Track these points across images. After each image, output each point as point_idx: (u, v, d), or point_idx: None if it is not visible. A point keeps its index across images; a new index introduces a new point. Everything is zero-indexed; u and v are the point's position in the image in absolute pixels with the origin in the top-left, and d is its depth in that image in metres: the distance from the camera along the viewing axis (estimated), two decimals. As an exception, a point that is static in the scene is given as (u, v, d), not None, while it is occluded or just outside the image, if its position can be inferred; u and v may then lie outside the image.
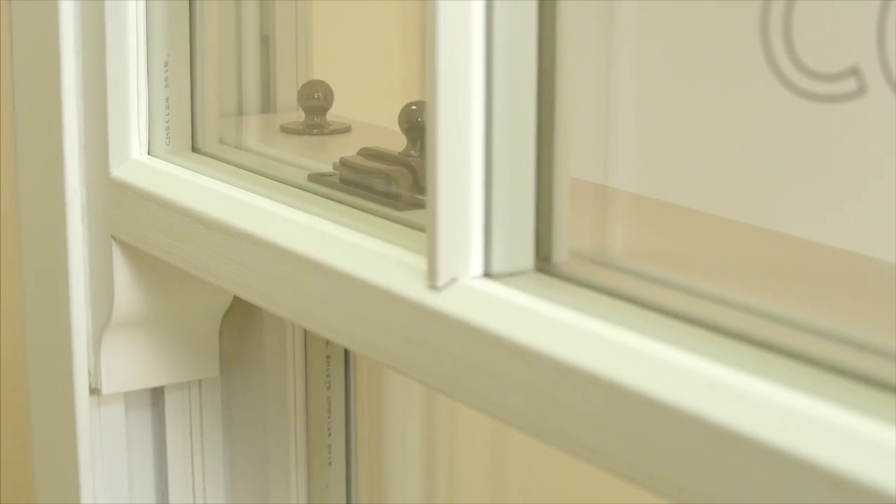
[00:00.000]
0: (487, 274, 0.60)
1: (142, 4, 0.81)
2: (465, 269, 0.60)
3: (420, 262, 0.62)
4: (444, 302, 0.60)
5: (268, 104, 0.92)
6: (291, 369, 0.90)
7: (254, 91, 0.92)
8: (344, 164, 0.74)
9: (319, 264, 0.66)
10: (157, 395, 0.91)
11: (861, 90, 0.57)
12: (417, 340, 0.61)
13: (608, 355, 0.54)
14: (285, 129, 0.88)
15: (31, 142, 0.88)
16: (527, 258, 0.61)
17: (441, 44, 0.58)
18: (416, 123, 0.74)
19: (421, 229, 0.66)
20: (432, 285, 0.60)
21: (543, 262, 0.61)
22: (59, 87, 0.84)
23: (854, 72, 0.56)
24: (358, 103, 0.97)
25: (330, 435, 0.92)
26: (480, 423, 1.02)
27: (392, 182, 0.71)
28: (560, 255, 0.61)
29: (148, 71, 0.82)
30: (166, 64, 0.82)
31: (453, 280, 0.60)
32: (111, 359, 0.86)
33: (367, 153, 0.75)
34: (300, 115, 0.90)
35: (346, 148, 0.83)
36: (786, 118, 0.66)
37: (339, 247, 0.66)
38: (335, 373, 0.91)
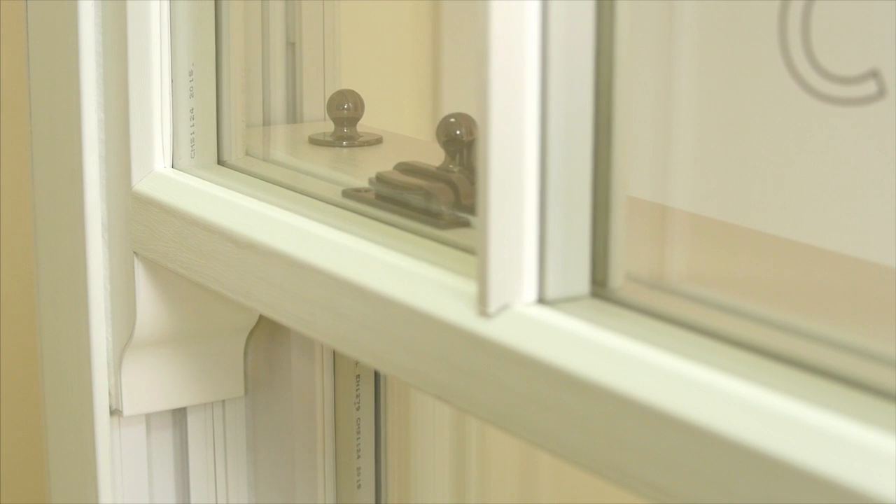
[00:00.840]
0: (541, 300, 0.57)
1: (165, 11, 0.78)
2: (517, 295, 0.57)
3: (469, 287, 0.59)
4: (495, 330, 0.56)
5: (294, 114, 0.89)
6: (319, 389, 0.87)
7: (280, 100, 0.88)
8: (380, 179, 0.71)
9: (360, 287, 0.63)
10: (179, 416, 0.88)
11: (881, 93, 0.54)
12: (467, 370, 0.58)
13: (669, 387, 0.51)
14: (314, 141, 0.85)
15: (48, 153, 0.85)
16: (582, 283, 0.58)
17: (494, 58, 0.55)
18: (454, 136, 0.71)
19: (466, 250, 0.63)
20: (483, 312, 0.57)
21: (599, 286, 0.58)
22: (78, 97, 0.81)
23: (874, 74, 0.54)
24: (385, 113, 0.94)
25: (359, 457, 0.89)
26: (511, 446, 0.99)
27: (432, 199, 0.68)
28: (616, 279, 0.58)
29: (172, 80, 0.79)
30: (191, 73, 0.79)
31: (505, 306, 0.57)
32: (132, 379, 0.84)
33: (404, 168, 0.71)
34: (327, 126, 0.87)
35: (379, 160, 0.80)
36: (827, 130, 0.63)
37: (380, 269, 0.63)
38: (365, 393, 0.88)
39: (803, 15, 0.55)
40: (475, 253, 0.60)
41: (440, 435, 0.95)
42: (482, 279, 0.57)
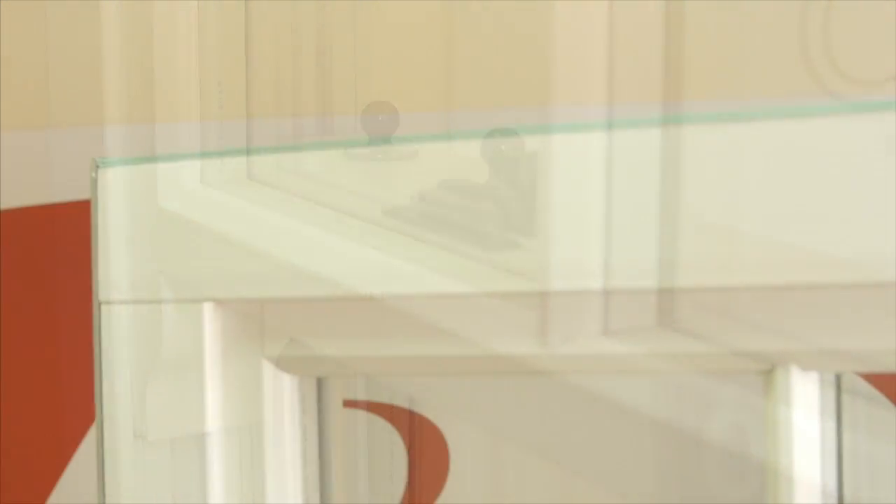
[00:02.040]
0: (607, 331, 0.54)
1: (194, 21, 0.75)
2: (582, 327, 0.54)
3: (528, 317, 0.56)
4: (559, 363, 0.53)
5: (324, 126, 0.86)
6: (352, 413, 0.84)
7: (311, 112, 0.86)
8: (424, 198, 0.68)
9: (406, 312, 0.60)
10: (204, 440, 0.85)
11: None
12: (528, 404, 0.55)
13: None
14: (347, 154, 0.82)
15: (68, 165, 0.83)
16: (648, 313, 0.55)
17: (556, 75, 0.52)
18: (499, 152, 0.68)
19: (517, 273, 0.60)
20: (545, 343, 0.54)
21: (665, 316, 0.55)
22: (101, 107, 0.78)
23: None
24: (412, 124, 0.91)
25: (392, 482, 0.86)
26: (550, 473, 0.96)
27: (479, 219, 0.65)
28: (684, 308, 0.55)
29: (200, 91, 0.76)
30: (220, 83, 0.76)
31: (569, 338, 0.54)
32: (158, 402, 0.80)
33: (448, 185, 0.68)
34: (360, 138, 0.84)
35: (415, 176, 0.78)
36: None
37: (428, 293, 0.60)
38: (399, 418, 0.85)
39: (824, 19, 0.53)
40: (527, 276, 0.57)
41: (477, 461, 0.92)
42: (544, 310, 0.54)
